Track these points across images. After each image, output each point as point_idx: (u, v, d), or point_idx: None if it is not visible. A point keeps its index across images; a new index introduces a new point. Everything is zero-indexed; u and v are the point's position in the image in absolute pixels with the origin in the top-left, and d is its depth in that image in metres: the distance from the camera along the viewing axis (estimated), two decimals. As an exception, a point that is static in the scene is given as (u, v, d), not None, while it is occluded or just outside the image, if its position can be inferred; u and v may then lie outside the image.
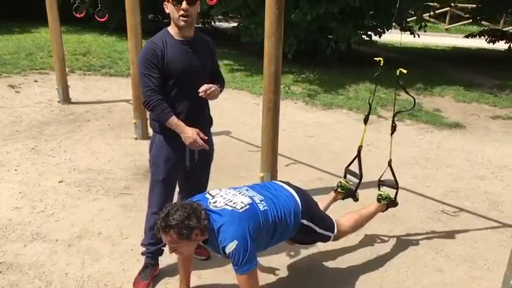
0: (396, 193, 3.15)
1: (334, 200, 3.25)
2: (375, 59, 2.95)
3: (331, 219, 2.83)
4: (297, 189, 2.69)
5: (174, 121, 2.48)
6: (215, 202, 2.34)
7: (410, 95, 3.21)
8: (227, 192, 2.45)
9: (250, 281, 2.25)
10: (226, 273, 2.85)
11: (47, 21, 6.15)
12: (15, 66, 8.25)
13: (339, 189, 3.23)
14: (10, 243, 3.15)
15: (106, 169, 4.39)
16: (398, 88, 3.02)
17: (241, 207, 2.30)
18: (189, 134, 2.46)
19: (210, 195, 2.43)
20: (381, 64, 2.89)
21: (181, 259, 2.59)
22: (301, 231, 2.60)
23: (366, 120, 3.13)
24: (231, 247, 2.18)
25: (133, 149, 4.94)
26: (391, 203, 3.17)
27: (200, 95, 2.48)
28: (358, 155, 3.14)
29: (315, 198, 2.88)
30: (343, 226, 2.88)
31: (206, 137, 2.49)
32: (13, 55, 8.95)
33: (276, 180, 2.91)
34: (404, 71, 2.85)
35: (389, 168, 3.11)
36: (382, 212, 3.18)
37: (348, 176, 3.26)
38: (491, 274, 2.98)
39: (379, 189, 3.21)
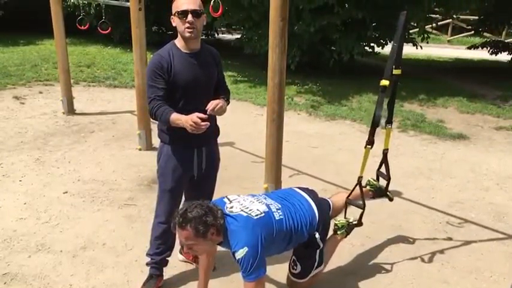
0: (361, 214, 2.93)
1: (365, 195, 3.04)
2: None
3: None
4: (317, 201, 2.68)
5: (176, 116, 2.44)
6: (232, 207, 2.37)
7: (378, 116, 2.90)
8: (245, 199, 2.47)
9: (257, 287, 2.26)
10: (232, 284, 2.85)
11: (51, 33, 6.21)
12: (20, 77, 8.31)
13: (368, 187, 3.17)
14: (14, 254, 3.15)
15: (110, 180, 4.40)
16: (380, 99, 2.79)
17: (256, 215, 2.33)
18: (184, 120, 2.38)
19: (228, 199, 2.46)
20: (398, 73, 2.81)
21: (202, 266, 2.62)
22: (306, 243, 2.60)
23: (388, 123, 3.00)
24: (241, 253, 2.20)
25: (137, 159, 4.95)
26: (355, 225, 2.93)
27: (208, 113, 2.47)
28: (385, 158, 3.10)
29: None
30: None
31: (206, 116, 2.38)
32: (18, 67, 9.02)
33: (297, 187, 2.86)
34: (386, 83, 2.74)
35: (358, 186, 2.92)
36: (345, 237, 2.93)
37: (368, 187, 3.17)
38: (497, 286, 2.95)
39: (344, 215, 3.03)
